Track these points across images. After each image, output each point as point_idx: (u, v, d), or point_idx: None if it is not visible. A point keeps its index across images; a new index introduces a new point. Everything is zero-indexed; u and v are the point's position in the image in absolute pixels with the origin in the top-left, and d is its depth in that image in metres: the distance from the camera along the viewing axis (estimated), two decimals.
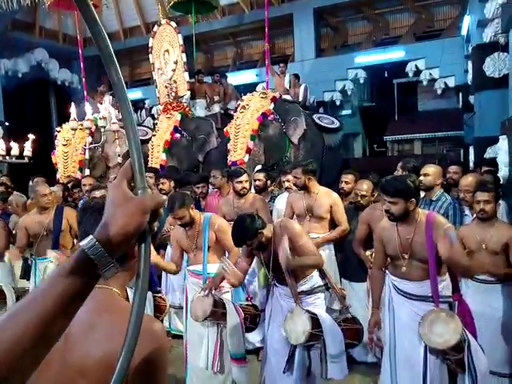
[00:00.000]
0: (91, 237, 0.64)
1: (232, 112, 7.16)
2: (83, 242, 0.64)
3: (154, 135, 7.28)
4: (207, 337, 3.13)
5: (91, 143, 7.02)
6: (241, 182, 4.19)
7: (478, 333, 2.62)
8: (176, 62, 7.66)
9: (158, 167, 6.75)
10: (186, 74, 7.71)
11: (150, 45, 8.02)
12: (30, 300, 0.64)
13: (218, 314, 3.00)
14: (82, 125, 6.77)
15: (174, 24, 7.71)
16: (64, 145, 7.50)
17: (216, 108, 8.42)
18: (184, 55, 7.63)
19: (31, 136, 6.51)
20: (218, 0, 9.46)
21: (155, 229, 0.69)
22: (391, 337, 2.74)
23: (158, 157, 7.00)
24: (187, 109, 7.67)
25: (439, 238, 2.49)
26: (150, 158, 7.10)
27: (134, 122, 0.67)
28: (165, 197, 0.73)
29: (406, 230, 2.63)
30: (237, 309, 3.07)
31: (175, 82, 7.65)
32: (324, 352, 2.73)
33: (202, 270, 3.25)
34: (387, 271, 2.86)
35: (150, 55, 8.03)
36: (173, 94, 7.59)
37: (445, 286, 2.63)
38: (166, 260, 4.53)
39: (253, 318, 3.15)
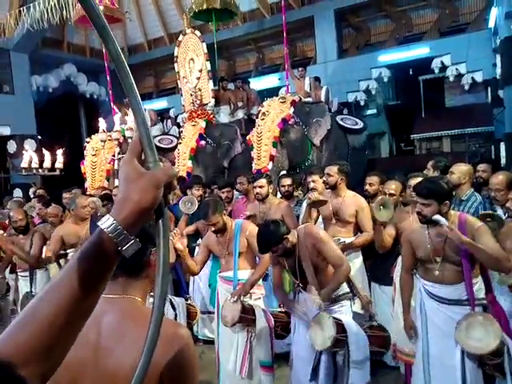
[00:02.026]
0: (108, 216, 0.65)
1: (255, 118, 7.22)
2: (101, 222, 0.64)
3: (180, 143, 7.40)
4: (237, 341, 3.16)
5: (119, 153, 7.20)
6: (255, 187, 4.30)
7: None
8: (201, 71, 7.75)
9: (185, 175, 6.86)
10: (211, 82, 7.79)
11: (175, 54, 8.14)
12: (59, 280, 0.65)
13: (247, 319, 3.02)
14: (110, 136, 6.96)
15: (198, 33, 7.82)
16: (93, 155, 7.74)
17: (240, 114, 8.48)
18: (208, 63, 7.72)
19: (60, 150, 6.73)
20: (237, 7, 9.55)
21: (170, 201, 0.69)
22: (424, 342, 2.68)
23: (184, 164, 7.09)
24: (211, 116, 7.76)
25: (477, 236, 2.45)
26: (176, 166, 7.22)
27: (137, 93, 0.65)
28: (177, 169, 0.72)
29: (438, 233, 2.58)
30: (267, 316, 3.07)
31: (200, 89, 7.73)
32: (347, 357, 2.71)
33: (233, 276, 3.28)
34: (417, 275, 2.81)
35: (176, 64, 8.15)
36: (198, 101, 7.68)
37: (478, 287, 2.58)
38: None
39: (284, 326, 3.14)
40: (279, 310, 3.32)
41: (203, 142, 7.23)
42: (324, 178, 3.99)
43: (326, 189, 4.00)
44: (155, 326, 0.66)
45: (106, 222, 0.64)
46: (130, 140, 6.78)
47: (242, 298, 3.10)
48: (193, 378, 1.10)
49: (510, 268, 2.55)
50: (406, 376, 3.33)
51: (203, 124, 7.39)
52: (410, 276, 2.88)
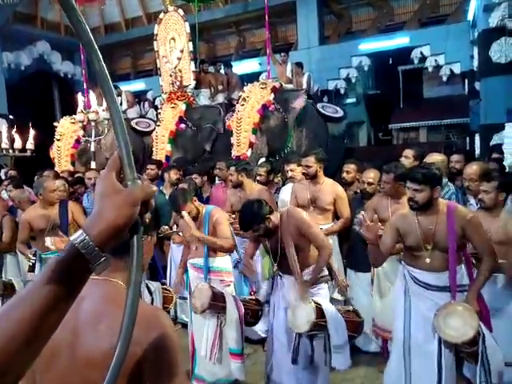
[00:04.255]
0: (81, 231, 0.63)
1: (235, 102, 7.12)
2: (73, 237, 0.63)
3: (159, 125, 7.21)
4: (207, 327, 3.17)
5: (84, 136, 7.03)
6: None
7: (493, 324, 2.61)
8: (182, 51, 7.52)
9: (163, 158, 6.73)
10: (192, 64, 7.57)
11: (155, 32, 7.85)
12: (24, 295, 0.63)
13: (217, 306, 3.02)
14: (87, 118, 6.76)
15: (181, 12, 7.56)
16: (58, 139, 7.53)
17: (220, 98, 8.36)
18: (191, 44, 7.50)
19: (32, 131, 6.51)
20: None
21: (147, 220, 0.68)
22: (406, 328, 2.71)
23: (162, 148, 6.95)
24: (191, 98, 7.61)
25: (468, 229, 2.49)
26: (154, 149, 7.07)
27: (120, 111, 0.65)
28: (155, 188, 0.71)
29: (427, 220, 2.59)
30: (237, 303, 3.08)
31: (180, 71, 7.50)
32: (328, 342, 2.75)
33: (204, 263, 3.27)
34: (403, 262, 2.82)
35: (155, 42, 7.87)
36: (177, 83, 7.45)
37: (463, 274, 2.64)
38: (171, 255, 4.55)
39: (254, 313, 3.16)
40: (249, 297, 3.33)
41: (183, 126, 7.09)
42: (303, 171, 3.98)
43: (306, 179, 3.99)
44: (131, 308, 0.64)
45: (79, 238, 0.62)
46: (106, 121, 6.60)
47: (212, 283, 3.11)
48: (174, 361, 1.08)
49: (496, 258, 2.60)
50: (383, 350, 3.44)
51: (183, 107, 7.23)
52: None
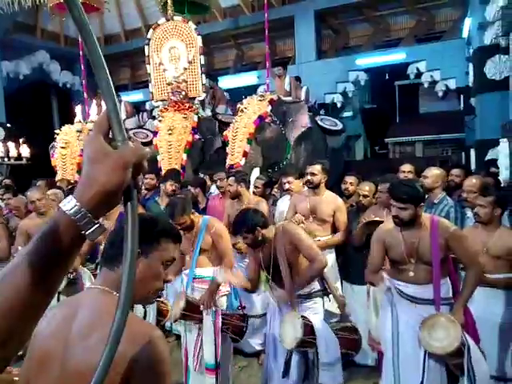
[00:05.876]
0: (71, 197, 0.60)
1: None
2: (63, 203, 0.60)
3: (171, 134, 7.00)
4: (185, 338, 3.14)
5: None
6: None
7: (480, 337, 2.61)
8: (190, 62, 7.52)
9: (179, 168, 6.62)
10: (203, 77, 7.56)
11: (148, 36, 7.78)
12: (14, 267, 0.61)
13: (192, 317, 2.97)
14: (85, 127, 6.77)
15: (193, 25, 7.55)
16: (62, 147, 7.49)
17: (208, 111, 8.36)
18: (203, 57, 7.51)
19: (28, 140, 6.53)
20: (211, 1, 9.37)
21: (140, 183, 0.64)
22: (394, 343, 2.70)
23: (177, 157, 6.82)
24: (196, 110, 7.59)
25: (451, 241, 2.50)
26: (165, 158, 6.85)
27: (108, 73, 0.60)
28: (147, 149, 0.67)
29: (411, 235, 2.61)
30: (216, 316, 3.03)
31: (185, 81, 7.47)
32: (316, 359, 2.71)
33: (189, 272, 3.23)
34: (388, 276, 2.83)
35: (147, 47, 7.76)
36: (182, 93, 7.38)
37: (448, 287, 2.64)
38: None
39: (236, 329, 3.08)
40: (237, 312, 3.25)
41: (196, 136, 7.09)
42: (308, 178, 3.97)
43: (309, 187, 3.98)
44: (120, 317, 0.61)
45: (69, 204, 0.59)
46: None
47: (187, 293, 3.07)
48: (163, 377, 1.05)
49: (481, 270, 2.62)
50: (379, 362, 3.40)
51: (195, 118, 7.19)
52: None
